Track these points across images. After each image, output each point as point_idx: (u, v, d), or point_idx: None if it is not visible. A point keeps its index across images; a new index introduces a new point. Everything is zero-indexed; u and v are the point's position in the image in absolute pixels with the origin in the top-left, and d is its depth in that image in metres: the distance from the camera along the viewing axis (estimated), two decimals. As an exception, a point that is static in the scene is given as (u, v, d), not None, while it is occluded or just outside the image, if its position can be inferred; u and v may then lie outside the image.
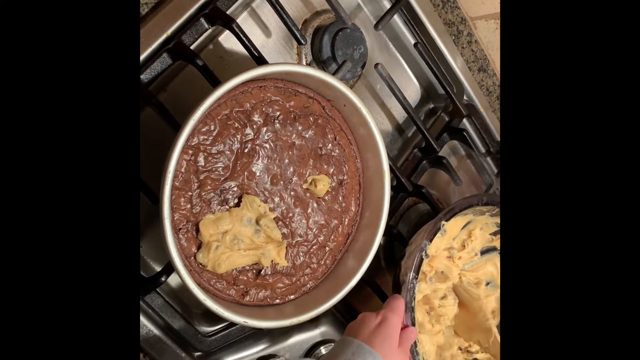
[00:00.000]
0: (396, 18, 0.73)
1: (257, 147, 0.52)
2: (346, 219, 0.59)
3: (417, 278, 0.59)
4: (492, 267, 0.72)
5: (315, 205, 0.56)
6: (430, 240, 0.61)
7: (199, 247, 0.49)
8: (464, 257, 0.70)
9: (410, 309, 0.58)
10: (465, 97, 0.79)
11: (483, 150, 0.80)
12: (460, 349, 0.69)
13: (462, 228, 0.68)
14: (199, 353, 0.58)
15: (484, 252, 0.71)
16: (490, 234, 0.71)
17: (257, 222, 0.52)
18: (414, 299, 0.59)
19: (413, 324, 0.58)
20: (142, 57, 0.52)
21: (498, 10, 0.77)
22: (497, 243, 0.72)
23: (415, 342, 0.58)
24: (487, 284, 0.72)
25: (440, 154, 0.73)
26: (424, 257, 0.60)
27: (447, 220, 0.62)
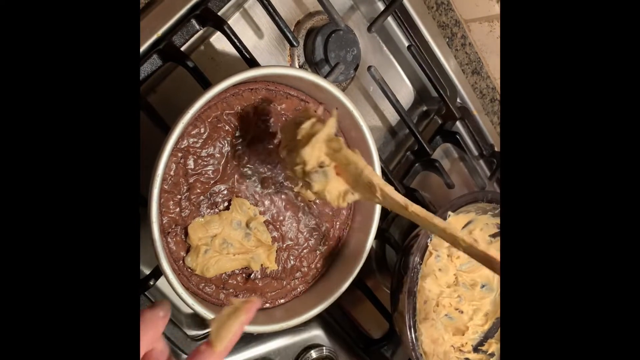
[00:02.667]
0: (390, 20, 0.72)
1: (247, 150, 0.51)
2: (337, 223, 0.58)
3: (421, 263, 0.59)
4: (488, 269, 0.71)
5: (306, 208, 0.56)
6: None
7: (187, 251, 0.49)
8: (462, 256, 0.70)
9: (413, 294, 0.58)
10: (458, 100, 0.79)
11: (476, 153, 0.80)
12: (453, 347, 0.69)
13: (463, 227, 0.68)
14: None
15: (482, 254, 0.71)
16: (489, 236, 0.70)
17: (247, 226, 0.51)
18: (417, 284, 0.59)
19: (414, 311, 0.58)
20: (132, 58, 0.52)
21: (492, 13, 0.77)
22: (495, 245, 0.71)
23: (415, 328, 0.58)
24: (483, 286, 0.72)
25: (433, 156, 0.73)
26: (428, 242, 0.60)
27: (453, 211, 0.62)
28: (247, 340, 0.60)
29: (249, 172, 0.52)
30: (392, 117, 0.76)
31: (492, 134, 0.83)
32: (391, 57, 0.76)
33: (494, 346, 0.70)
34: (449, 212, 0.62)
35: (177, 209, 0.48)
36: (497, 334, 0.72)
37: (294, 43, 0.59)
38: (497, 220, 0.69)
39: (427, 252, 0.62)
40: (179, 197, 0.48)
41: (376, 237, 0.58)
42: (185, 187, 0.48)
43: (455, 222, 0.66)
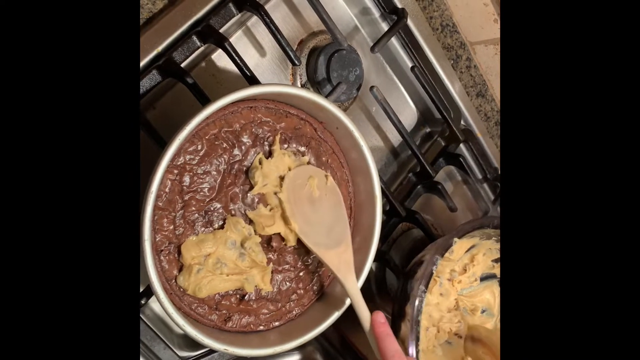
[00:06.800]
0: (394, 41, 0.72)
1: (244, 168, 0.51)
2: (336, 244, 0.57)
3: (425, 291, 0.58)
4: (489, 294, 0.71)
5: (303, 229, 0.55)
6: (442, 256, 0.60)
7: (180, 270, 0.48)
8: (463, 281, 0.69)
9: (416, 323, 0.57)
10: (462, 122, 0.78)
11: (480, 176, 0.79)
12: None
13: (466, 251, 0.67)
14: (179, 379, 0.56)
15: (483, 278, 0.70)
16: (492, 261, 0.69)
17: (241, 246, 0.50)
18: (421, 312, 0.58)
19: (418, 338, 0.57)
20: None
21: (497, 35, 0.76)
22: (497, 270, 0.71)
23: (417, 358, 0.57)
24: (483, 311, 0.70)
25: (435, 179, 0.72)
26: (434, 270, 0.59)
27: (459, 238, 0.61)
28: (240, 363, 0.59)
29: (245, 190, 0.51)
30: (395, 138, 0.75)
31: (497, 157, 0.82)
32: (394, 77, 0.76)
33: (493, 373, 0.69)
34: (455, 239, 0.61)
35: (171, 227, 0.47)
36: (498, 362, 0.70)
37: (296, 62, 0.58)
38: (501, 245, 0.68)
39: (432, 280, 0.61)
40: (174, 214, 0.47)
41: (375, 260, 0.57)
42: (180, 205, 0.47)
43: (459, 246, 0.65)
